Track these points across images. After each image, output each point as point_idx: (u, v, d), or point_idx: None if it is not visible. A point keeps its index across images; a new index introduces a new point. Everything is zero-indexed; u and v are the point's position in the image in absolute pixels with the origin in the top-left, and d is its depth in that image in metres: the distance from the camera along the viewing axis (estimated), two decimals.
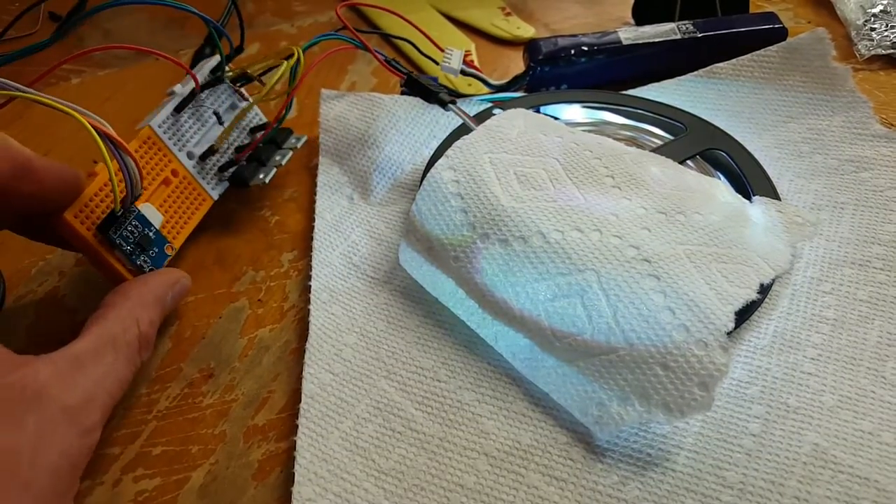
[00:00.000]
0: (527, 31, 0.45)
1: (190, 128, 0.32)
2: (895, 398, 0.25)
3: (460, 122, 0.34)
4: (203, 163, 0.33)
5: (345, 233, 0.33)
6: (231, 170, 0.33)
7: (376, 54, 0.35)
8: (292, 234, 0.34)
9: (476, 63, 0.42)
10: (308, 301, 0.30)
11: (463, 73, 0.38)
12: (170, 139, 0.31)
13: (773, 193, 0.31)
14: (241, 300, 0.31)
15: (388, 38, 0.46)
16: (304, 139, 0.35)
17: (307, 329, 0.28)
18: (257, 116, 0.36)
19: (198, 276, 0.32)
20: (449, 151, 0.29)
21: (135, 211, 0.29)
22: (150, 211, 0.29)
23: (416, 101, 0.37)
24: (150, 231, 0.29)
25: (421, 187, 0.29)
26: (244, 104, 0.35)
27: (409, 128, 0.37)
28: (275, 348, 0.29)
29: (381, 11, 0.48)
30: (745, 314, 0.27)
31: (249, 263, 0.33)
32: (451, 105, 0.33)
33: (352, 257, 0.32)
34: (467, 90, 0.40)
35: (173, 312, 0.31)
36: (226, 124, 0.34)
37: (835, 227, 0.31)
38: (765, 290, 0.27)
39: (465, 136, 0.30)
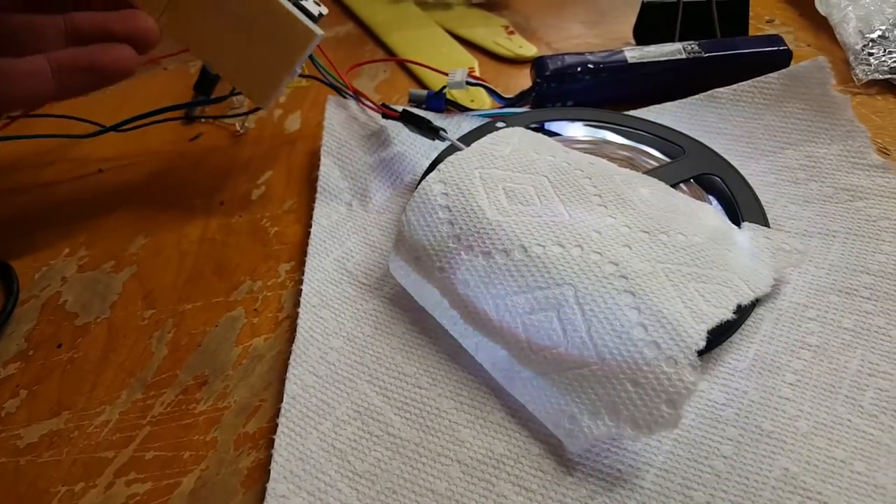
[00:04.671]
0: (529, 49, 0.46)
1: None
2: (871, 428, 0.25)
3: (457, 136, 0.35)
4: None
5: (340, 239, 0.33)
6: None
7: (369, 105, 0.37)
8: (290, 245, 0.34)
9: None
10: None
11: (471, 84, 0.39)
12: None
13: (762, 220, 0.31)
14: (238, 309, 0.32)
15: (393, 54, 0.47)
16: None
17: None
18: None
19: (196, 285, 0.33)
20: (441, 165, 0.30)
21: None
22: None
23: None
24: None
25: (411, 199, 0.30)
26: None
27: (411, 139, 0.38)
28: (268, 357, 0.30)
29: (386, 28, 0.49)
30: (722, 335, 0.27)
31: (247, 273, 0.33)
32: (442, 131, 0.35)
33: (345, 263, 0.32)
34: (470, 105, 0.41)
35: (170, 319, 0.31)
36: None
37: (824, 255, 0.31)
38: (743, 311, 0.27)
39: (458, 152, 0.31)
